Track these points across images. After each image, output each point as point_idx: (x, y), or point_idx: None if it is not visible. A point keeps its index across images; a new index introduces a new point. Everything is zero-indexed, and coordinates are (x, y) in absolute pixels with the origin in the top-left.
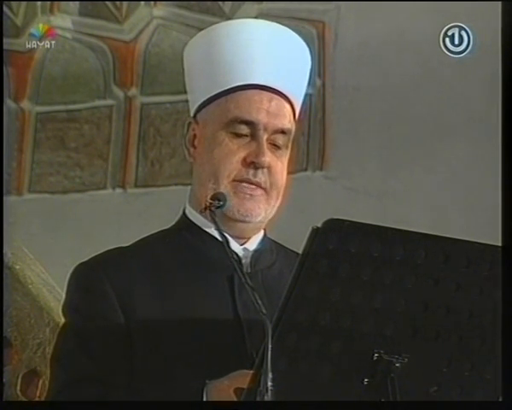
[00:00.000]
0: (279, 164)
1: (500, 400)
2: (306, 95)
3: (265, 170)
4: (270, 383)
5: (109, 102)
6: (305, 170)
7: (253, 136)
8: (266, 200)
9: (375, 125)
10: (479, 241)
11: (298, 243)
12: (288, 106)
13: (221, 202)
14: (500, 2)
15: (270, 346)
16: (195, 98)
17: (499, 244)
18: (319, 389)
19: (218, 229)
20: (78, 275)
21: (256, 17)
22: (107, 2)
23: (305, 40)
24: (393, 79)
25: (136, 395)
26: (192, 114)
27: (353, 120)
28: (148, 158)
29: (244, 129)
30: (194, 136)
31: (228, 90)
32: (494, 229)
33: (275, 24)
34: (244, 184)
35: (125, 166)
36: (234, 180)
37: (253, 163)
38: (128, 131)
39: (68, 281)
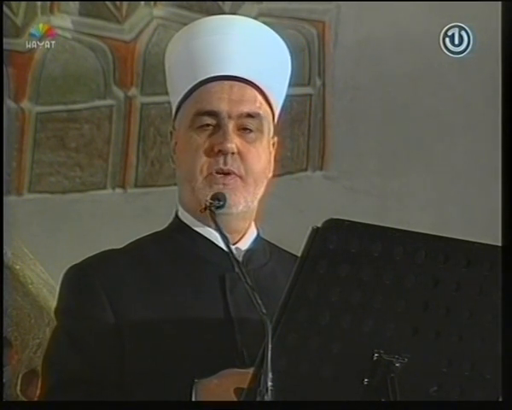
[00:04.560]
0: (252, 149)
1: (500, 400)
2: (306, 95)
3: (236, 156)
4: (270, 383)
5: (109, 102)
6: (305, 170)
7: (218, 125)
8: (243, 187)
9: (375, 125)
10: (479, 241)
11: (298, 242)
12: (256, 92)
13: (221, 202)
14: (500, 2)
15: (270, 346)
16: (172, 107)
17: (499, 244)
18: (319, 389)
19: (218, 229)
20: (70, 277)
21: (256, 17)
22: (107, 2)
23: (305, 40)
24: (393, 78)
25: (127, 394)
26: (172, 122)
27: (353, 119)
28: (148, 158)
29: (208, 120)
30: (176, 143)
31: (192, 88)
32: (494, 229)
33: (244, 17)
34: (218, 176)
35: (125, 167)
36: (208, 174)
37: (220, 151)
38: (128, 131)
39: (60, 283)
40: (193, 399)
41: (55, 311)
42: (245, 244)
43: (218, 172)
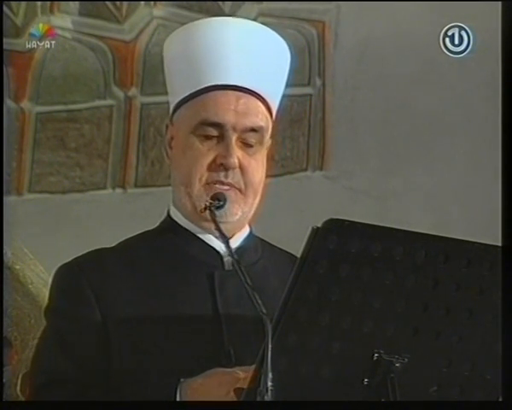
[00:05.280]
0: (252, 162)
1: (500, 400)
2: (306, 95)
3: (237, 170)
4: (270, 383)
5: (109, 102)
6: (305, 170)
7: (222, 137)
8: (242, 199)
9: (375, 125)
10: (479, 241)
11: (298, 242)
12: (259, 103)
13: (221, 202)
14: (500, 2)
15: (270, 346)
16: (171, 100)
17: (499, 244)
18: (319, 389)
19: (218, 228)
20: (59, 276)
21: (256, 17)
22: (107, 2)
23: (305, 40)
24: (393, 78)
25: (115, 394)
26: (169, 116)
27: (353, 119)
28: (148, 158)
29: (212, 131)
30: (172, 137)
31: (196, 92)
32: (494, 229)
33: (249, 21)
34: (217, 186)
35: (125, 166)
36: (206, 183)
37: (222, 165)
38: (128, 131)
39: (50, 282)
40: (178, 398)
41: (44, 310)
42: (236, 242)
43: (217, 184)
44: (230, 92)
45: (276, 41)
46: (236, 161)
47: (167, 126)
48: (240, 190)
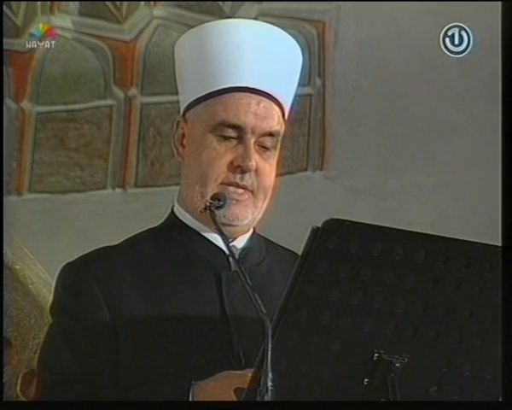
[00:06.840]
0: (267, 166)
1: (500, 400)
2: (306, 95)
3: (252, 173)
4: (270, 383)
5: (109, 102)
6: (305, 170)
7: (241, 139)
8: (253, 202)
9: (375, 125)
10: (479, 241)
11: (298, 242)
12: (276, 107)
13: (221, 202)
14: (500, 2)
15: (270, 346)
16: (184, 97)
17: (499, 244)
18: (319, 389)
19: (218, 229)
20: (65, 275)
21: (256, 17)
22: (107, 2)
23: (305, 40)
24: (393, 78)
25: (123, 394)
26: (181, 113)
27: (353, 119)
28: (148, 158)
29: (231, 132)
30: (183, 135)
31: (216, 91)
32: (494, 229)
33: (266, 24)
34: (231, 188)
35: (125, 166)
36: (221, 184)
37: (239, 167)
38: (128, 131)
39: (56, 281)
40: (190, 400)
41: (50, 309)
42: (241, 242)
43: (232, 185)
44: (252, 95)
45: (290, 44)
46: (254, 163)
47: (179, 123)
48: (252, 193)
